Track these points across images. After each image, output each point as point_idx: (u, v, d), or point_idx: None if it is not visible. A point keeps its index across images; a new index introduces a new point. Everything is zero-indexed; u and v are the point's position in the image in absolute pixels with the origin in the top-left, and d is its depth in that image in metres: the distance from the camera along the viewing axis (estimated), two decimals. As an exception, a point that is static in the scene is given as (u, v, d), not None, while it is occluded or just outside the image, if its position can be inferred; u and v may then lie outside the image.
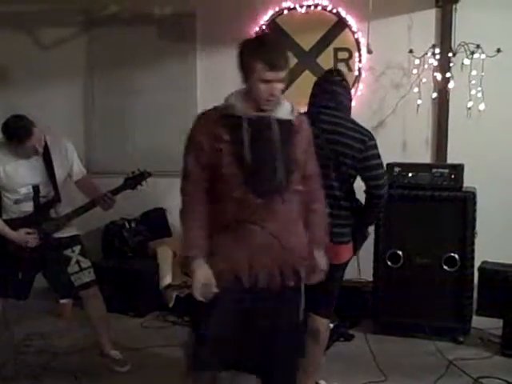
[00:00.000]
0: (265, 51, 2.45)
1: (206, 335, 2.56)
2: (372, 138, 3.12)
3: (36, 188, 3.70)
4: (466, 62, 4.84)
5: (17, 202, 3.71)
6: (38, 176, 3.70)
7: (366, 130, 3.14)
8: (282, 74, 2.47)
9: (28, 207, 3.72)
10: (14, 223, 3.68)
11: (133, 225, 5.23)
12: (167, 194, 5.30)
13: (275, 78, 2.44)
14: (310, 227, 2.68)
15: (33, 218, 3.71)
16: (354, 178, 3.18)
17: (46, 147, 3.68)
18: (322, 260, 2.71)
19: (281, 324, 2.61)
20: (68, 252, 3.79)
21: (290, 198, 2.56)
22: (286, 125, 2.56)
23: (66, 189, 3.86)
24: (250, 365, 2.71)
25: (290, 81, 5.27)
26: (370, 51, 4.48)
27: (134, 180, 3.80)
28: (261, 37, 2.96)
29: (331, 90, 3.18)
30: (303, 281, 2.67)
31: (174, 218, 5.38)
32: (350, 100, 3.28)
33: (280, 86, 2.48)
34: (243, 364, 2.72)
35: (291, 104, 2.63)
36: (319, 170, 2.80)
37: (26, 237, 3.67)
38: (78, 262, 3.79)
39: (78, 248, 3.82)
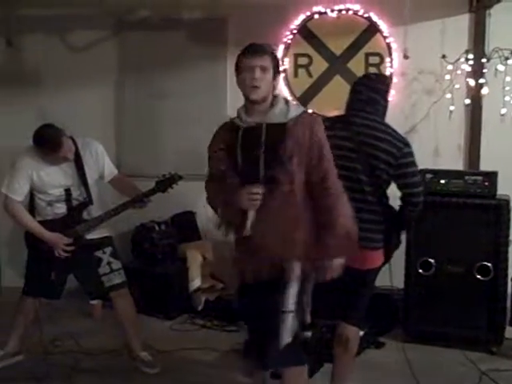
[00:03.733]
0: (244, 48, 2.74)
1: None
2: (408, 145, 3.10)
3: (68, 190, 3.74)
4: (500, 67, 4.78)
5: (50, 203, 3.75)
6: (70, 179, 3.75)
7: (402, 137, 3.13)
8: (260, 61, 2.67)
9: (61, 209, 3.76)
10: (47, 225, 3.73)
11: (162, 227, 5.24)
12: (197, 197, 5.25)
13: (252, 64, 2.65)
14: (322, 233, 2.73)
15: (66, 220, 3.76)
16: (388, 183, 3.16)
17: (76, 152, 3.72)
18: (330, 263, 2.75)
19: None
20: (99, 253, 3.82)
21: (279, 197, 2.67)
22: (276, 128, 2.70)
23: (98, 191, 3.90)
24: None
25: (320, 85, 5.28)
26: (406, 56, 4.44)
27: (165, 183, 3.82)
28: None
29: (368, 95, 3.17)
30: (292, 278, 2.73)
31: (203, 221, 5.40)
32: (386, 106, 3.26)
33: (260, 73, 2.66)
34: None
35: (288, 106, 2.76)
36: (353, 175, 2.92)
37: (58, 242, 3.71)
38: (109, 263, 3.83)
39: (109, 249, 3.86)
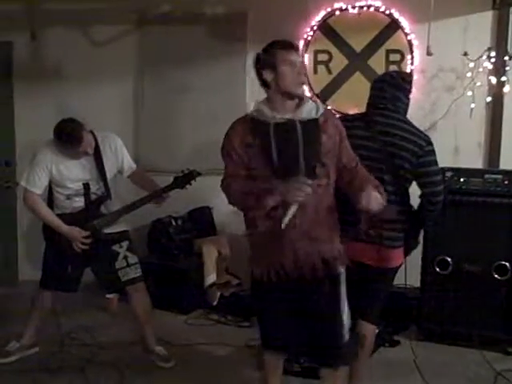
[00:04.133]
0: (275, 43, 2.73)
1: None
2: (430, 143, 3.08)
3: (86, 185, 3.76)
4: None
5: (68, 197, 3.78)
6: (89, 173, 3.77)
7: (425, 135, 3.10)
8: (299, 57, 2.73)
9: (79, 203, 3.78)
10: (66, 218, 3.75)
11: (179, 222, 5.25)
12: (214, 193, 5.23)
13: (294, 59, 2.67)
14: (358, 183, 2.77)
15: (84, 214, 3.77)
16: (410, 182, 3.14)
17: (96, 146, 3.74)
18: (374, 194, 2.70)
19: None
20: (116, 247, 3.83)
21: (318, 191, 2.68)
22: (310, 124, 2.72)
23: (116, 186, 3.91)
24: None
25: (340, 82, 5.25)
26: (429, 53, 4.39)
27: (184, 179, 3.83)
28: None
29: (391, 93, 3.15)
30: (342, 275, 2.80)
31: (219, 217, 5.41)
32: (408, 103, 3.23)
33: (302, 70, 2.71)
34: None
35: (315, 103, 2.78)
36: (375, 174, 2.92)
37: (77, 236, 3.73)
38: (125, 257, 3.84)
39: (125, 244, 3.87)
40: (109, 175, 3.80)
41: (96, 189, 3.79)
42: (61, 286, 3.90)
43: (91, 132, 3.75)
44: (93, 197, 3.80)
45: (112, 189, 3.84)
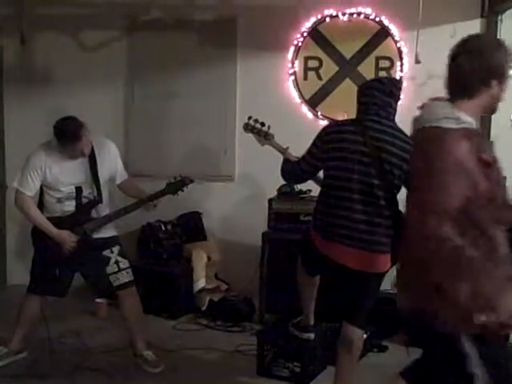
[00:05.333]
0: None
1: None
2: None
3: (79, 188, 3.76)
4: (511, 73, 4.75)
5: (59, 200, 3.77)
6: (83, 176, 3.77)
7: None
8: None
9: (70, 207, 3.78)
10: (55, 221, 3.75)
11: (169, 227, 5.25)
12: (204, 198, 5.33)
13: None
14: None
15: (74, 218, 3.77)
16: (399, 188, 3.15)
17: (92, 149, 3.75)
18: None
19: None
20: (107, 252, 3.84)
21: None
22: None
23: (108, 190, 3.92)
24: None
25: (329, 88, 5.28)
26: (417, 61, 4.42)
27: (176, 186, 3.86)
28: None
29: (382, 99, 3.17)
30: None
31: (209, 222, 5.41)
32: (396, 109, 3.25)
33: None
34: None
35: None
36: (365, 179, 2.97)
37: (66, 239, 3.73)
38: (116, 262, 3.85)
39: (116, 248, 3.87)
40: (102, 179, 3.81)
41: (88, 193, 3.80)
42: (48, 290, 3.88)
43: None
44: (84, 200, 3.80)
45: (104, 193, 3.84)
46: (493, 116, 4.90)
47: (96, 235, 3.82)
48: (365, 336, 3.49)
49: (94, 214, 3.83)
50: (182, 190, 3.88)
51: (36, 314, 3.97)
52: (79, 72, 5.56)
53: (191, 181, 3.88)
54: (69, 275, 3.89)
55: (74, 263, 3.80)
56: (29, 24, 5.51)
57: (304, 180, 3.63)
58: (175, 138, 5.56)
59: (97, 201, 3.80)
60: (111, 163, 3.87)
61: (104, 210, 3.85)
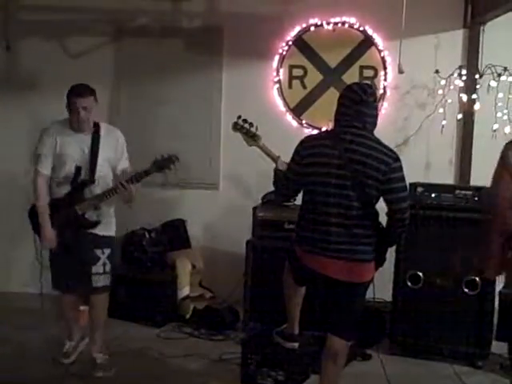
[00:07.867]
0: None
1: None
2: (397, 160, 3.05)
3: (79, 168, 3.83)
4: (493, 84, 4.82)
5: (59, 184, 3.86)
6: (84, 150, 3.83)
7: (392, 151, 3.08)
8: None
9: (67, 189, 3.87)
10: (50, 203, 3.85)
11: (153, 235, 5.23)
12: (188, 206, 5.33)
13: None
14: None
15: (68, 198, 3.85)
16: (377, 199, 3.12)
17: (97, 130, 3.86)
18: None
19: None
20: (98, 252, 3.89)
21: None
22: None
23: (107, 172, 3.95)
24: None
25: (314, 97, 5.31)
26: (401, 71, 4.45)
27: (162, 163, 3.89)
28: None
29: (357, 109, 3.08)
30: None
31: (194, 230, 5.40)
32: (375, 115, 3.18)
33: None
34: None
35: None
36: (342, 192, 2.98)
37: (51, 241, 3.84)
38: (104, 264, 3.90)
39: (108, 251, 3.93)
40: (101, 159, 3.86)
41: (85, 173, 3.85)
42: (65, 285, 3.99)
43: (97, 123, 3.90)
44: (79, 180, 3.86)
45: (102, 173, 3.88)
46: (475, 127, 4.99)
47: (94, 231, 3.87)
48: (349, 344, 3.49)
49: (87, 194, 3.87)
50: (170, 169, 3.90)
51: (75, 305, 4.18)
52: (65, 79, 5.44)
53: (177, 158, 3.91)
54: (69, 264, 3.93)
55: (65, 248, 3.87)
56: (14, 30, 5.49)
57: (294, 197, 3.65)
58: (160, 144, 5.52)
59: (89, 181, 3.85)
60: (117, 150, 3.96)
61: (97, 191, 3.89)
